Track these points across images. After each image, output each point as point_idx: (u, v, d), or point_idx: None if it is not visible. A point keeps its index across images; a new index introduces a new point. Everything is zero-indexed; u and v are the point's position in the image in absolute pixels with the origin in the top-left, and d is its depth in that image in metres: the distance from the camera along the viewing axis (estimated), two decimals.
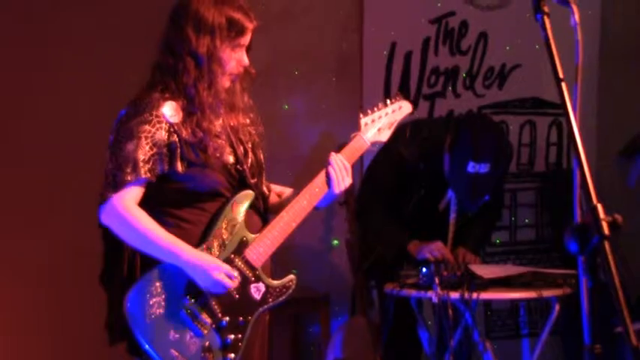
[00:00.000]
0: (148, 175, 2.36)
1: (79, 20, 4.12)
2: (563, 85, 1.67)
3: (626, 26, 5.02)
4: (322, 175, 2.60)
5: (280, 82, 4.48)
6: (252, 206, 2.54)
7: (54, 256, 4.04)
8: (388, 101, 2.84)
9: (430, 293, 3.39)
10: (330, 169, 2.59)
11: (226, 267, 2.42)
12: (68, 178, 4.00)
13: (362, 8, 4.57)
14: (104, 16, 4.16)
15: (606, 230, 1.54)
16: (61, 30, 4.11)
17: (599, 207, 1.56)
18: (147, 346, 2.35)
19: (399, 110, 2.83)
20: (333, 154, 2.63)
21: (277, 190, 2.72)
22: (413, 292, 3.51)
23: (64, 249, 3.99)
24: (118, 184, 2.35)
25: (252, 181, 2.55)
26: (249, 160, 2.56)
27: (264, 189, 2.64)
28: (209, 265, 2.39)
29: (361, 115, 2.75)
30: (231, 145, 2.52)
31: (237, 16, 2.46)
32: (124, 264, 2.45)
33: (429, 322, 3.95)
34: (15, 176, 4.03)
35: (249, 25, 2.49)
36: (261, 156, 2.63)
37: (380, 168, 3.85)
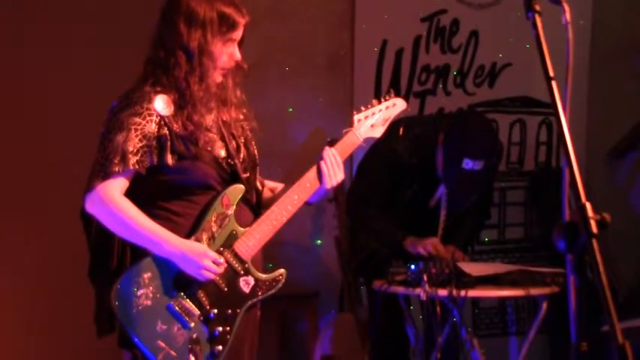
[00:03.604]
0: (136, 166, 2.37)
1: (68, 16, 4.10)
2: (554, 83, 1.67)
3: (616, 27, 5.04)
4: (314, 170, 2.60)
5: (271, 78, 4.47)
6: (244, 200, 2.55)
7: (44, 251, 4.03)
8: (382, 99, 2.84)
9: (418, 290, 3.39)
10: (322, 163, 2.59)
11: (212, 254, 2.42)
12: (61, 173, 3.98)
13: (353, 5, 4.57)
14: (95, 11, 4.14)
15: (594, 229, 1.55)
16: (49, 26, 4.09)
17: (588, 205, 1.57)
18: (136, 339, 2.36)
19: (392, 107, 2.83)
20: (326, 148, 2.63)
21: (271, 186, 2.73)
22: (401, 290, 3.51)
23: (54, 244, 3.98)
24: (105, 174, 2.36)
25: (244, 175, 2.55)
26: (242, 155, 2.57)
27: (258, 184, 2.65)
28: (195, 252, 2.40)
29: (355, 112, 2.75)
30: (223, 139, 2.53)
31: (229, 10, 2.47)
32: (113, 257, 2.46)
33: (418, 319, 3.96)
34: (9, 173, 4.02)
35: (241, 20, 2.50)
36: (255, 151, 2.64)
37: (373, 164, 3.84)
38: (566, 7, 1.72)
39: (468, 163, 3.56)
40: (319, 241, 4.57)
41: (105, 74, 3.97)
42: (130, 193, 2.41)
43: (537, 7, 1.73)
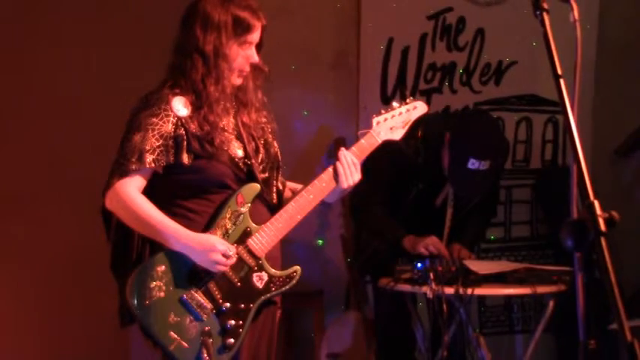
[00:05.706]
0: (152, 165, 2.46)
1: (69, 16, 4.10)
2: (562, 81, 1.67)
3: (623, 24, 5.02)
4: (330, 170, 2.65)
5: (276, 77, 4.45)
6: (261, 200, 2.60)
7: (54, 250, 4.04)
8: (402, 102, 2.86)
9: (425, 288, 3.39)
10: (338, 164, 2.65)
11: (221, 247, 2.47)
12: (65, 175, 3.99)
13: (359, 3, 4.56)
14: (95, 11, 4.13)
15: (603, 227, 1.54)
16: (62, 29, 4.09)
17: (596, 203, 1.56)
18: (149, 329, 2.43)
19: (413, 110, 2.86)
20: (342, 149, 2.69)
21: (292, 186, 2.78)
22: (407, 288, 3.51)
23: (65, 244, 3.99)
24: (122, 172, 2.46)
25: (262, 175, 2.61)
26: (260, 156, 2.63)
27: (279, 185, 2.71)
28: (203, 246, 2.46)
29: (374, 115, 2.78)
30: (241, 140, 2.59)
31: (244, 14, 2.55)
32: (133, 250, 2.53)
33: (424, 317, 3.96)
34: (13, 174, 4.03)
35: (256, 23, 2.58)
36: (277, 153, 2.70)
37: (378, 163, 3.81)
38: (574, 5, 1.72)
39: (473, 164, 3.56)
40: (320, 241, 4.57)
41: (106, 74, 3.97)
42: (149, 192, 2.50)
43: (545, 5, 1.73)
